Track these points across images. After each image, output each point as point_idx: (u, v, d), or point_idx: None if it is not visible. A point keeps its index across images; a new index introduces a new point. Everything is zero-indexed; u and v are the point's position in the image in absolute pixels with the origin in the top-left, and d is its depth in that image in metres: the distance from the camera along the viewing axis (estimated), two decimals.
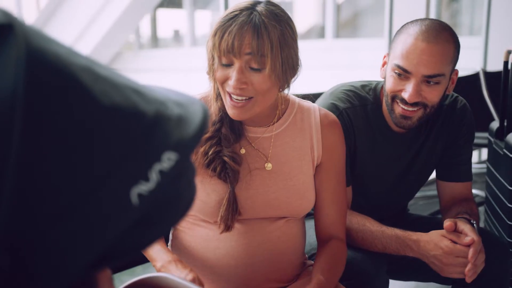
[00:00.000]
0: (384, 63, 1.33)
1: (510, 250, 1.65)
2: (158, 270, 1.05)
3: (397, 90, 1.26)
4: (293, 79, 1.08)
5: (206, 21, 12.14)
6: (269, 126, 1.14)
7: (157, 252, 1.08)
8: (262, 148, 1.13)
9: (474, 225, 1.24)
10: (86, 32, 9.52)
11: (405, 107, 1.25)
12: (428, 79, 1.22)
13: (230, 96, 1.03)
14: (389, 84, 1.27)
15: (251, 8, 1.00)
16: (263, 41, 0.97)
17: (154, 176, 0.34)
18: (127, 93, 0.34)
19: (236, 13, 1.00)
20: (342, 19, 8.57)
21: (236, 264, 1.10)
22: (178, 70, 9.47)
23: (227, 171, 1.08)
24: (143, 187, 0.33)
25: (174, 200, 0.38)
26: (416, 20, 1.27)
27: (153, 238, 0.37)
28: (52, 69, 0.31)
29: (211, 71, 1.05)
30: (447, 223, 1.19)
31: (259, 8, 1.01)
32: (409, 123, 1.29)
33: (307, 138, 1.15)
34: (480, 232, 1.26)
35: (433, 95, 1.24)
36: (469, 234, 1.17)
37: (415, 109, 1.25)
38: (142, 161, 0.34)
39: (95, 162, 0.31)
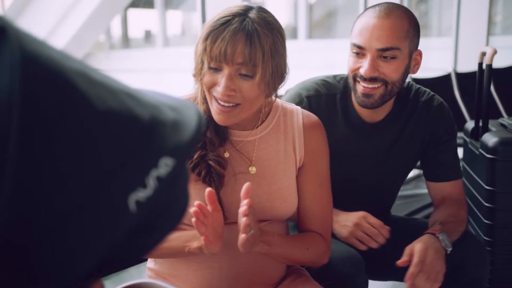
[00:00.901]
0: None
1: (486, 248, 1.70)
2: (196, 249, 1.03)
3: (355, 68, 1.30)
4: (280, 86, 1.08)
5: (178, 21, 12.09)
6: (253, 129, 1.14)
7: (186, 235, 1.06)
8: (246, 152, 1.13)
9: (440, 238, 1.24)
10: (55, 32, 9.34)
11: (365, 84, 1.29)
12: (382, 53, 1.26)
13: (217, 101, 1.03)
14: (349, 64, 1.32)
15: (243, 14, 1.00)
16: (255, 50, 0.97)
17: (151, 182, 0.33)
18: (122, 98, 0.34)
19: (228, 18, 0.99)
20: (314, 19, 8.65)
21: (220, 266, 1.09)
22: (150, 71, 9.41)
23: (212, 175, 1.07)
24: (141, 194, 0.33)
25: (171, 206, 0.37)
26: (374, 4, 1.33)
27: (152, 244, 0.37)
28: (48, 74, 0.30)
29: (199, 74, 1.04)
30: (401, 260, 1.22)
31: (252, 14, 1.00)
32: (371, 101, 1.31)
33: (290, 140, 1.15)
34: (456, 241, 1.27)
35: (390, 70, 1.28)
36: (414, 256, 1.20)
37: (375, 86, 1.29)
38: (139, 167, 0.33)
39: (91, 168, 0.31)
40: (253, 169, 1.11)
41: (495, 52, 1.75)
